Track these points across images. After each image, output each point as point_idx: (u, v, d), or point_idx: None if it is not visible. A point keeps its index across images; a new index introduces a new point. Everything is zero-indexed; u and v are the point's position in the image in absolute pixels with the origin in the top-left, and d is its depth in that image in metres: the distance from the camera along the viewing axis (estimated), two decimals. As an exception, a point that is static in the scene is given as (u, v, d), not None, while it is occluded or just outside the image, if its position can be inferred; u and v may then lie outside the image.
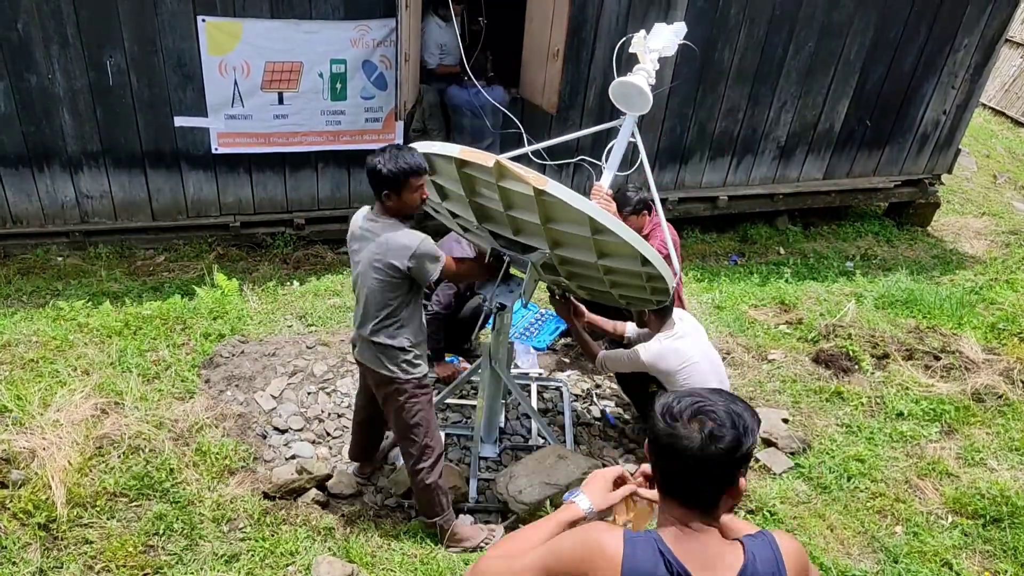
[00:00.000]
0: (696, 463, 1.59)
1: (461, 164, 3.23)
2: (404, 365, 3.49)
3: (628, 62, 3.92)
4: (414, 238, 3.28)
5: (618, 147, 3.85)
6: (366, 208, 3.46)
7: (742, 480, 1.64)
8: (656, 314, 4.07)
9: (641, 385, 4.33)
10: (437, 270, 3.35)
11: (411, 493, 3.96)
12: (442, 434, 4.21)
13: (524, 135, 4.68)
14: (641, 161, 3.86)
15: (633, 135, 3.85)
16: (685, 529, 1.65)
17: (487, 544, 3.86)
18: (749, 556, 1.64)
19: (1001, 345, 5.43)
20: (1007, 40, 8.91)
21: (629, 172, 4.28)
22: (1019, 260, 7.48)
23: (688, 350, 3.97)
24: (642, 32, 3.89)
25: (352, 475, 4.12)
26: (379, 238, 3.31)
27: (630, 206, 4.53)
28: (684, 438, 1.58)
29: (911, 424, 4.65)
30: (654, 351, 3.99)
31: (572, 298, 4.34)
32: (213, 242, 6.53)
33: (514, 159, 3.23)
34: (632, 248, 3.14)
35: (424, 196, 3.35)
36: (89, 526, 3.48)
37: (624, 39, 3.99)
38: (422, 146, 3.36)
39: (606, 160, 3.88)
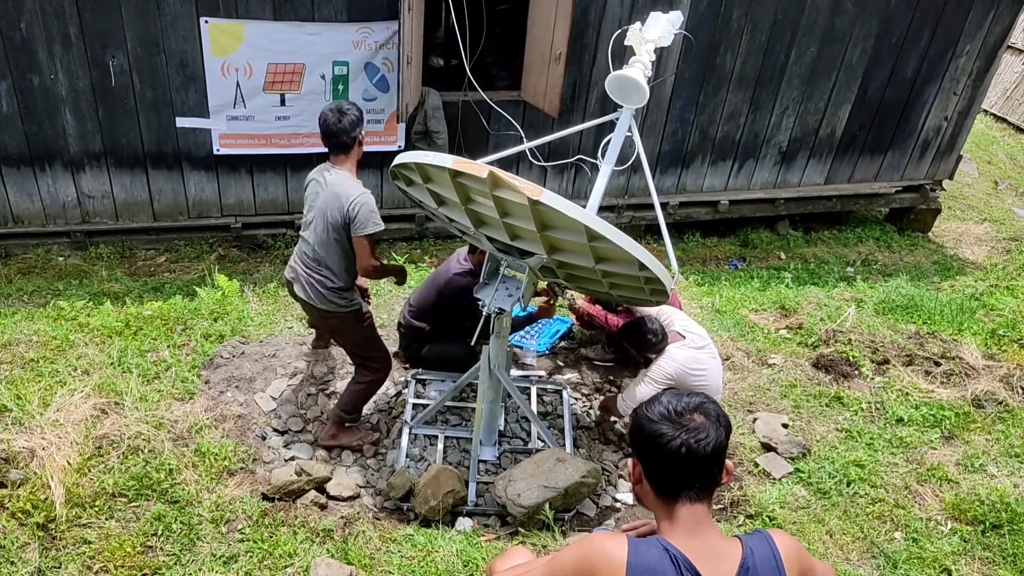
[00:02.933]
0: (708, 457, 1.68)
1: (455, 174, 3.17)
2: (340, 302, 3.95)
3: (627, 56, 3.90)
4: (359, 189, 3.76)
5: (615, 141, 3.83)
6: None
7: (728, 462, 1.75)
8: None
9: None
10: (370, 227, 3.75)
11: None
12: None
13: (523, 136, 4.67)
14: (638, 155, 3.85)
15: (630, 129, 3.83)
16: (687, 528, 1.71)
17: (361, 445, 4.33)
18: (747, 550, 1.69)
19: (1001, 351, 5.42)
20: (1009, 47, 8.89)
21: (626, 166, 4.26)
22: (1020, 266, 7.47)
23: (706, 360, 4.19)
24: (637, 24, 3.87)
25: (351, 477, 4.13)
26: (331, 188, 3.80)
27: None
28: (702, 430, 1.68)
29: (911, 430, 4.64)
30: (680, 358, 4.13)
31: (571, 297, 4.37)
32: (214, 243, 6.54)
33: (510, 158, 3.20)
34: (629, 254, 3.14)
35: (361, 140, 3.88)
36: (88, 526, 3.48)
37: (620, 31, 3.96)
38: (415, 156, 3.32)
39: (602, 155, 3.87)
